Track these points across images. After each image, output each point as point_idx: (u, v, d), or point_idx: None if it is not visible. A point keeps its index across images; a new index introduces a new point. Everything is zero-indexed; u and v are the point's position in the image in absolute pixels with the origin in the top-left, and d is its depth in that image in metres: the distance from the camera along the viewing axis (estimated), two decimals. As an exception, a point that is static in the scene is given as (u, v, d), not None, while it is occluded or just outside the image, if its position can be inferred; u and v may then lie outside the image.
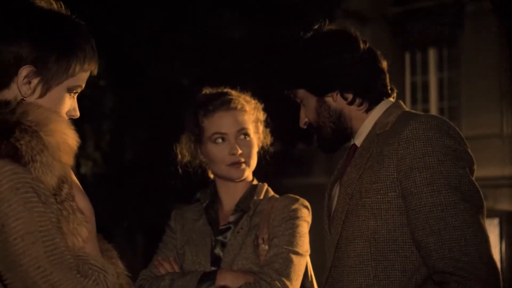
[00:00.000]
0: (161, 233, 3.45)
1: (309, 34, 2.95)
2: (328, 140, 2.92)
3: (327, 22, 2.96)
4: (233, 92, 3.43)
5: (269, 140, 3.47)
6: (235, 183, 3.37)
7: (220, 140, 3.34)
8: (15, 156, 2.08)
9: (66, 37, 2.28)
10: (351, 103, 2.87)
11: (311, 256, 3.30)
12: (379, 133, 2.79)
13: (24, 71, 2.23)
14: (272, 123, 3.51)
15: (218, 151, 3.34)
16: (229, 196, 3.38)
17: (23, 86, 2.24)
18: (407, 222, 2.67)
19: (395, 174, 2.68)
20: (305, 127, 2.96)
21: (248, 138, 3.35)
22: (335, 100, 2.87)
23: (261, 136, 3.44)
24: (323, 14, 3.07)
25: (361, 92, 2.86)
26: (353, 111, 2.88)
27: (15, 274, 2.06)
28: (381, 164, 2.71)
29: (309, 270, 3.30)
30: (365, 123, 2.88)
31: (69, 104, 2.34)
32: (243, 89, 3.48)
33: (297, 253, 3.19)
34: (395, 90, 2.95)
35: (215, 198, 3.42)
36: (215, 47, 14.21)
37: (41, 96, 2.26)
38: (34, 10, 2.27)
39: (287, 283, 3.12)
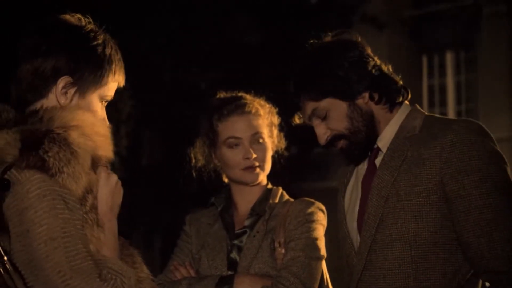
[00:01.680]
0: (178, 237, 3.45)
1: (317, 44, 2.98)
2: (360, 146, 2.89)
3: (332, 34, 2.97)
4: (248, 96, 3.43)
5: (283, 144, 3.47)
6: (250, 187, 3.37)
7: (234, 144, 3.34)
8: (43, 168, 2.16)
9: (99, 49, 2.41)
10: (378, 102, 2.88)
11: (326, 259, 3.29)
12: (409, 136, 2.82)
13: (62, 81, 2.35)
14: (288, 127, 3.50)
15: (232, 155, 3.34)
16: (244, 200, 3.38)
17: (61, 96, 2.35)
18: (447, 225, 2.72)
19: (438, 177, 2.72)
20: (326, 142, 2.92)
21: (262, 142, 3.35)
22: (365, 102, 2.88)
23: (276, 140, 3.43)
24: (340, 19, 3.06)
25: (385, 89, 2.88)
26: (380, 112, 2.89)
27: (38, 278, 2.14)
28: (421, 167, 2.75)
29: (324, 273, 3.30)
30: (388, 127, 2.90)
31: (101, 113, 2.45)
32: (259, 93, 3.48)
33: (314, 257, 3.19)
34: (409, 91, 2.97)
35: (230, 202, 3.42)
36: (232, 52, 14.22)
37: (78, 105, 2.37)
38: (67, 25, 2.41)
39: (305, 286, 3.13)
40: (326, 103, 2.89)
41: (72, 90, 2.36)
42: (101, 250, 2.26)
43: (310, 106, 2.91)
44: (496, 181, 2.69)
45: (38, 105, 2.35)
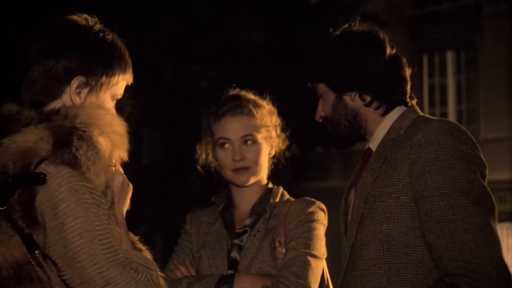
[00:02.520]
0: (178, 236, 3.46)
1: (338, 32, 2.98)
2: (340, 137, 2.95)
3: (357, 22, 2.98)
4: (245, 96, 3.44)
5: (284, 144, 3.47)
6: (249, 187, 3.38)
7: (224, 145, 3.36)
8: (75, 165, 2.21)
9: (109, 48, 2.46)
10: (368, 105, 2.89)
11: (327, 259, 3.30)
12: (393, 138, 2.81)
13: (76, 82, 2.39)
14: (289, 126, 3.51)
15: (223, 156, 3.36)
16: (244, 200, 3.39)
17: (75, 96, 2.40)
18: (419, 226, 2.69)
19: (408, 178, 2.71)
20: (320, 120, 2.98)
21: (254, 144, 3.36)
22: (352, 100, 2.89)
23: (275, 141, 3.44)
24: (341, 17, 3.07)
25: (379, 96, 2.88)
26: (369, 113, 2.90)
27: (73, 270, 2.17)
28: (394, 168, 2.74)
29: (325, 273, 3.31)
30: (380, 127, 2.89)
31: (112, 111, 2.49)
32: (260, 92, 3.49)
33: (314, 256, 3.20)
34: (415, 98, 2.95)
35: (230, 202, 3.43)
36: (233, 51, 14.22)
37: (91, 104, 2.41)
38: (77, 26, 2.45)
39: (305, 286, 3.13)
40: (321, 87, 2.95)
41: (85, 90, 2.41)
42: (122, 245, 2.30)
43: (314, 84, 2.99)
44: (461, 182, 2.64)
45: (51, 106, 2.38)
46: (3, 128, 2.30)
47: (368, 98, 2.88)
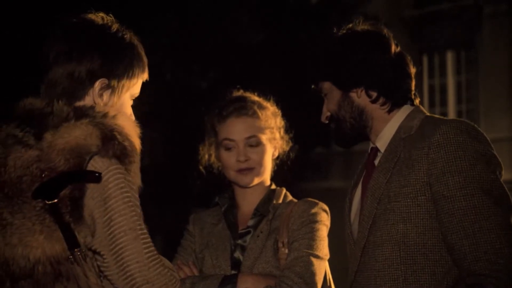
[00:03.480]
0: (181, 237, 3.46)
1: (343, 31, 2.99)
2: (345, 135, 2.94)
3: (360, 21, 2.98)
4: (250, 98, 3.44)
5: (288, 146, 3.48)
6: (252, 188, 3.38)
7: (229, 146, 3.36)
8: (123, 156, 2.27)
9: (128, 48, 2.48)
10: (374, 101, 2.89)
11: (329, 260, 3.30)
12: (404, 137, 2.81)
13: (99, 84, 2.41)
14: (289, 127, 3.51)
15: (227, 157, 3.36)
16: (247, 201, 3.40)
17: (98, 98, 2.42)
18: (437, 226, 2.69)
19: (426, 178, 2.70)
20: (326, 121, 2.98)
21: (258, 145, 3.36)
22: (359, 97, 2.89)
23: (279, 143, 3.44)
24: (341, 18, 3.07)
25: (385, 92, 2.88)
26: (375, 111, 2.90)
27: (117, 266, 2.23)
28: (410, 168, 2.73)
29: (327, 274, 3.31)
30: (388, 127, 2.89)
31: (130, 110, 2.54)
32: (260, 93, 3.48)
33: (317, 257, 3.20)
34: (418, 97, 2.95)
35: (233, 202, 3.43)
36: (233, 51, 14.22)
37: (113, 105, 2.44)
38: (95, 26, 2.46)
39: (308, 286, 3.13)
40: (326, 85, 2.94)
41: (108, 92, 2.43)
42: None
43: (319, 84, 2.98)
44: (482, 182, 2.64)
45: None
46: (36, 122, 2.32)
47: (374, 94, 2.88)
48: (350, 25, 2.99)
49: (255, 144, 3.35)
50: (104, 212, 2.22)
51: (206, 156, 3.49)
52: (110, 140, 2.26)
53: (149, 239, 2.27)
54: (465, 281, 2.65)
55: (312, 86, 3.00)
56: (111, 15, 2.51)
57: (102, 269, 2.24)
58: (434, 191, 2.68)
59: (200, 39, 14.28)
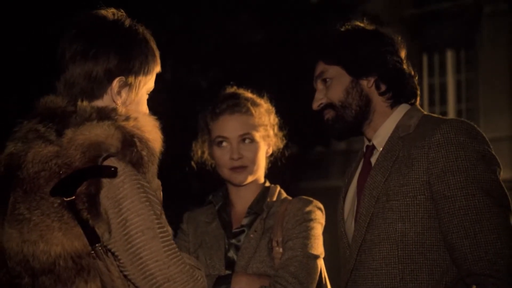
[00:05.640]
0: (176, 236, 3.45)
1: (349, 26, 2.98)
2: (346, 123, 2.90)
3: (365, 20, 2.99)
4: (243, 95, 3.42)
5: (282, 143, 3.46)
6: (246, 186, 3.36)
7: (222, 144, 3.35)
8: (139, 165, 2.27)
9: (143, 43, 2.47)
10: (382, 94, 2.88)
11: (325, 258, 3.29)
12: (403, 136, 2.80)
13: (117, 82, 2.40)
14: (288, 126, 3.50)
15: (220, 154, 3.35)
16: (241, 199, 3.38)
17: (116, 96, 2.41)
18: (435, 225, 2.69)
19: (425, 177, 2.69)
20: (318, 108, 2.94)
21: (252, 143, 3.35)
22: (369, 86, 2.88)
23: (273, 140, 3.42)
24: (340, 17, 3.09)
25: (395, 87, 2.88)
26: (379, 104, 2.89)
27: (135, 266, 2.22)
28: (409, 167, 2.72)
29: (323, 272, 3.29)
30: (385, 124, 2.89)
31: (146, 104, 2.53)
32: (259, 91, 3.48)
33: (312, 256, 3.18)
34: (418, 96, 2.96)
35: (227, 201, 3.41)
36: (233, 50, 14.22)
37: (131, 102, 2.44)
38: (109, 23, 2.44)
39: (303, 286, 3.12)
40: (334, 70, 2.91)
41: (126, 89, 2.42)
42: None
43: (320, 67, 2.95)
44: (482, 182, 2.64)
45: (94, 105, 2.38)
46: (59, 119, 2.32)
47: (383, 87, 2.88)
48: (358, 22, 2.99)
49: (249, 141, 3.34)
50: (118, 213, 2.21)
51: (199, 153, 3.47)
52: (130, 146, 2.26)
53: (170, 237, 2.27)
54: (465, 281, 2.65)
55: (317, 71, 2.95)
56: (121, 10, 2.49)
57: (121, 269, 2.23)
58: (434, 190, 2.68)
59: (200, 39, 14.28)
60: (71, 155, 2.24)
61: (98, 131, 2.26)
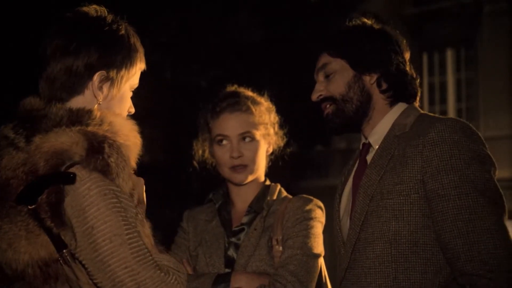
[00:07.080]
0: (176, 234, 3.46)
1: (355, 22, 2.99)
2: (345, 118, 2.90)
3: (371, 18, 3.00)
4: (243, 93, 3.42)
5: (282, 142, 3.46)
6: (246, 185, 3.36)
7: (222, 142, 3.34)
8: (106, 172, 2.22)
9: (125, 38, 2.45)
10: (383, 92, 2.88)
11: (325, 257, 3.28)
12: (399, 135, 2.80)
13: (98, 77, 2.38)
14: (289, 125, 3.50)
15: (221, 153, 3.35)
16: (241, 197, 3.38)
17: (98, 91, 2.39)
18: (429, 224, 2.68)
19: (419, 176, 2.69)
20: (317, 100, 2.94)
21: (252, 141, 3.34)
22: (371, 82, 2.88)
23: (273, 139, 3.42)
24: (340, 16, 3.09)
25: (397, 87, 2.89)
26: (378, 102, 2.89)
27: (104, 274, 2.19)
28: (404, 166, 2.71)
29: (323, 271, 3.29)
30: (382, 122, 2.89)
31: (130, 101, 2.51)
32: (259, 90, 3.48)
33: (311, 255, 3.18)
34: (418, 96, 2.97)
35: (227, 199, 3.41)
36: (232, 50, 14.23)
37: (113, 98, 2.43)
38: (90, 19, 2.43)
39: (303, 285, 3.12)
40: (337, 63, 2.91)
41: (107, 84, 2.40)
42: (151, 245, 2.32)
43: (323, 59, 2.95)
44: (476, 182, 2.63)
45: (74, 101, 2.37)
46: (30, 124, 2.31)
47: (385, 85, 2.88)
48: (365, 20, 2.99)
49: (249, 140, 3.33)
50: (83, 221, 2.18)
51: (200, 152, 3.47)
52: (96, 153, 2.22)
53: (140, 243, 2.22)
54: (458, 281, 2.64)
55: (320, 63, 2.95)
56: (103, 6, 2.49)
57: (90, 277, 2.21)
58: (428, 189, 2.67)
59: (200, 38, 14.28)
60: (36, 162, 2.22)
61: (63, 139, 2.23)
